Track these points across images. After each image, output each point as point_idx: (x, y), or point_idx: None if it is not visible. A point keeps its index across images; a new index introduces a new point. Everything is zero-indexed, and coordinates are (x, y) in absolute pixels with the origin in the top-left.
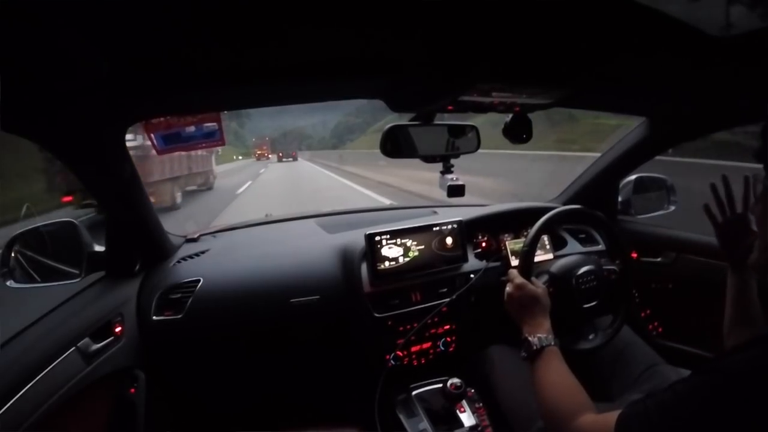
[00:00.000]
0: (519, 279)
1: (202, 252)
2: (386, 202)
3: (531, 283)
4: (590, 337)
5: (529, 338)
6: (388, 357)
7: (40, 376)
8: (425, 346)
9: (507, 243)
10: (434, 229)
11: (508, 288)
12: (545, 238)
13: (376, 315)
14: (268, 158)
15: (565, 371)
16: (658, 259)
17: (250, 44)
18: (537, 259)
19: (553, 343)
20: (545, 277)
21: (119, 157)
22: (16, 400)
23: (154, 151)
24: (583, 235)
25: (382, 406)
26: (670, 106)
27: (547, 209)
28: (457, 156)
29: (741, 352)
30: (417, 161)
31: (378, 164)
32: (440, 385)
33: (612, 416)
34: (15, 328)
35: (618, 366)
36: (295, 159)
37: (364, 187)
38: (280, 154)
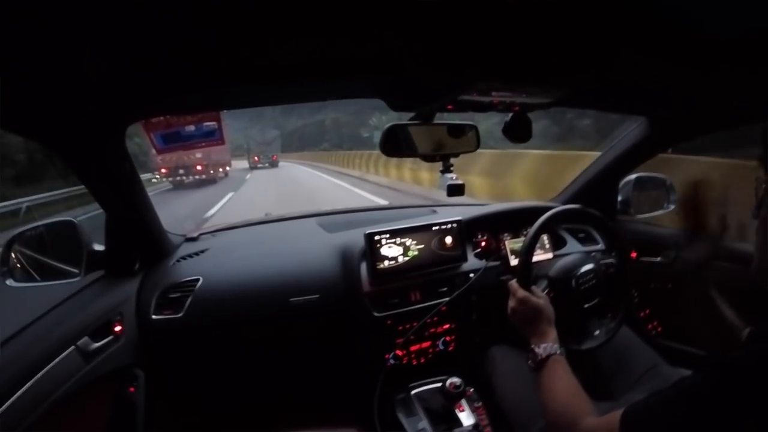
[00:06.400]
0: (521, 292)
1: (202, 251)
2: None
3: (532, 293)
4: (591, 335)
5: (535, 349)
6: (387, 356)
7: (39, 374)
8: (425, 345)
9: (506, 242)
10: (434, 228)
11: (511, 302)
12: (545, 238)
13: (376, 314)
14: (198, 177)
15: (568, 379)
16: (658, 259)
17: (249, 44)
18: (536, 258)
19: (558, 352)
20: (544, 283)
21: (119, 156)
22: (15, 398)
23: None
24: (582, 235)
25: (381, 405)
26: (669, 105)
27: (546, 208)
28: (456, 155)
29: (746, 346)
30: None
31: None
32: (439, 385)
33: (615, 415)
34: (15, 327)
35: (619, 366)
36: (274, 165)
37: None
38: (256, 159)
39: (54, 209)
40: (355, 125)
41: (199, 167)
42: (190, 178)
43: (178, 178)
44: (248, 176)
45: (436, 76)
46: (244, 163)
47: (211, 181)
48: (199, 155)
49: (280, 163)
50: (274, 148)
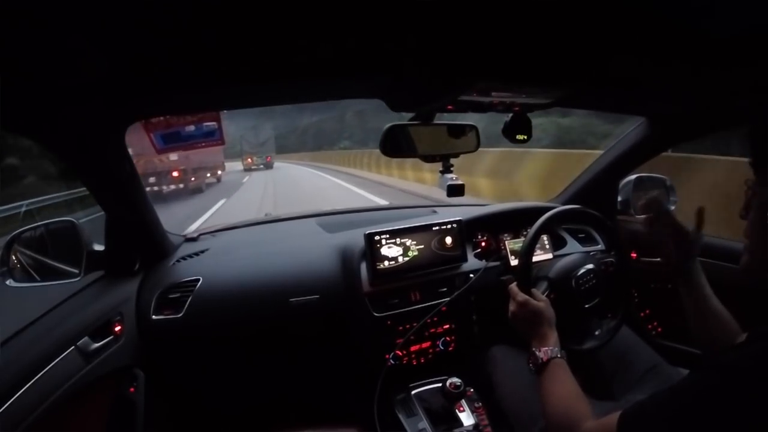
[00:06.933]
0: (521, 296)
1: (202, 251)
2: None
3: (532, 296)
4: (592, 335)
5: (536, 352)
6: (387, 356)
7: (39, 375)
8: (425, 345)
9: (506, 243)
10: (434, 228)
11: (511, 306)
12: (545, 238)
13: (376, 314)
14: None
15: (569, 382)
16: (658, 259)
17: (249, 44)
18: (536, 258)
19: (559, 355)
20: (544, 285)
21: (119, 156)
22: (15, 398)
23: None
24: (582, 235)
25: (381, 405)
26: (669, 106)
27: (546, 209)
28: (456, 155)
29: (743, 348)
30: None
31: None
32: (440, 385)
33: (612, 418)
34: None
35: (620, 366)
36: (269, 166)
37: None
38: (249, 161)
39: (56, 213)
40: (384, 120)
41: (175, 174)
42: (165, 187)
43: (148, 188)
44: (210, 211)
45: (436, 77)
46: (237, 165)
47: (196, 190)
48: (174, 158)
49: (278, 164)
50: (268, 148)
